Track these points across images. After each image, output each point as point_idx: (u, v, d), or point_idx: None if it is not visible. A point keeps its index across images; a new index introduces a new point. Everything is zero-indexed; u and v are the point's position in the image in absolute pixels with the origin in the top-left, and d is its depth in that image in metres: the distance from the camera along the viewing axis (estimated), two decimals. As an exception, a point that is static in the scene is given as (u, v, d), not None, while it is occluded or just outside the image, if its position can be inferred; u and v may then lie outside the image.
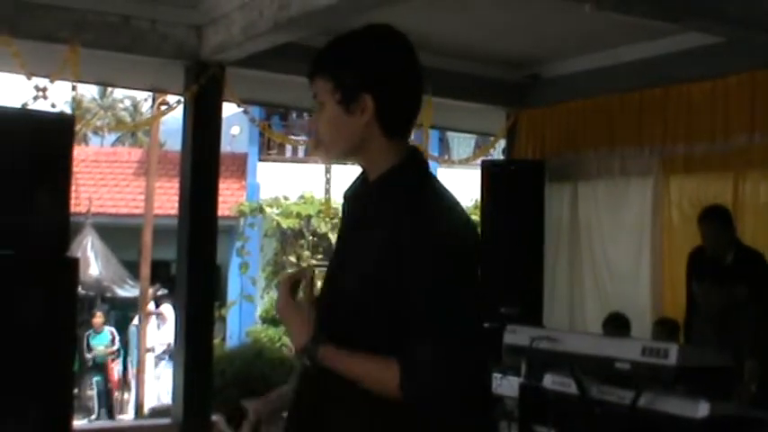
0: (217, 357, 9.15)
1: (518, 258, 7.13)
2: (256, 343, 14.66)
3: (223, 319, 17.35)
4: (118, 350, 15.75)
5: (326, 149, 2.26)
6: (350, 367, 2.10)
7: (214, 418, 6.41)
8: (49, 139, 4.88)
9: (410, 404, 2.04)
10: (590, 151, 7.35)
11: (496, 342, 4.78)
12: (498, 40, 6.72)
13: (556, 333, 4.63)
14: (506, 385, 5.13)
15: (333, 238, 17.22)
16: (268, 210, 17.44)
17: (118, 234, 16.81)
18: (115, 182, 19.40)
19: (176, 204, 6.70)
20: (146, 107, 28.95)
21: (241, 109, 7.18)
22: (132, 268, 16.19)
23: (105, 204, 18.12)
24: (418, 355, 2.02)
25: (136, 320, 15.54)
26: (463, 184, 15.44)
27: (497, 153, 10.11)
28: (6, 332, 4.70)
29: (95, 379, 15.08)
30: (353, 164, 2.30)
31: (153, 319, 15.36)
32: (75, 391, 13.83)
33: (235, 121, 17.24)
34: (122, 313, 17.04)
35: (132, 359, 15.76)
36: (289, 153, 19.83)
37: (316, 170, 14.17)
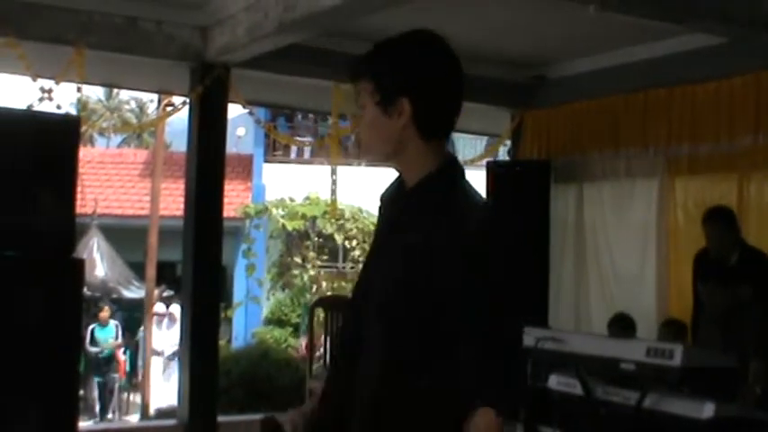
0: (222, 358, 9.17)
1: (523, 258, 7.12)
2: (262, 344, 14.67)
3: (229, 321, 17.36)
4: (123, 344, 15.72)
5: (366, 151, 2.31)
6: None
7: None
8: (54, 141, 4.90)
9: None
10: (595, 152, 7.35)
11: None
12: (503, 40, 6.72)
13: (561, 334, 4.64)
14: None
15: (338, 239, 17.25)
16: (273, 211, 17.45)
17: (123, 235, 16.83)
18: (121, 183, 19.43)
19: (182, 205, 6.71)
20: (151, 108, 28.98)
21: (246, 110, 7.20)
22: (138, 269, 16.21)
23: (111, 205, 18.15)
24: (488, 370, 2.07)
25: (152, 325, 15.48)
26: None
27: (502, 154, 10.11)
28: (12, 333, 4.71)
29: (96, 380, 15.06)
30: (388, 166, 2.32)
31: (164, 320, 15.36)
32: (81, 392, 13.86)
33: (240, 122, 17.29)
34: (128, 314, 17.04)
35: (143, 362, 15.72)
36: (294, 154, 19.83)
37: (321, 171, 14.16)
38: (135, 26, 6.03)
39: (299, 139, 17.51)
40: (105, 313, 15.37)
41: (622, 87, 6.98)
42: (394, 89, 2.18)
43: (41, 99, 5.83)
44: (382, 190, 2.42)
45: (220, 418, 6.59)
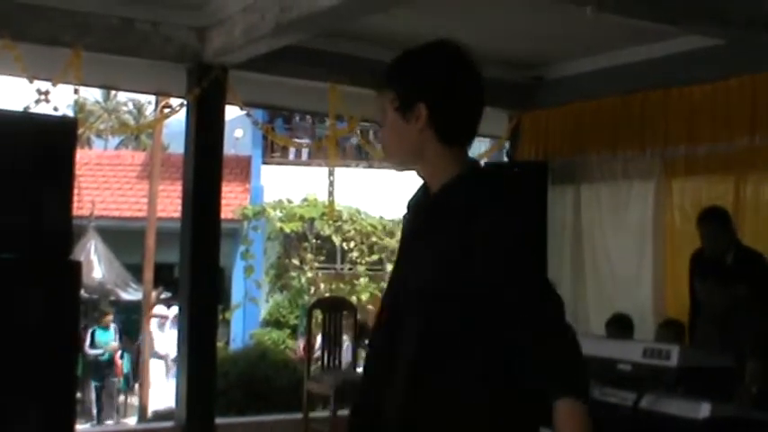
0: (220, 360, 9.17)
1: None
2: (260, 346, 14.68)
3: (227, 322, 17.36)
4: (121, 347, 15.69)
5: (389, 156, 2.41)
6: None
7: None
8: (51, 143, 4.89)
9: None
10: (593, 153, 7.35)
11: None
12: (501, 41, 6.73)
13: (558, 334, 4.62)
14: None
15: (336, 241, 17.27)
16: (271, 212, 17.46)
17: (121, 237, 16.83)
18: (118, 185, 19.42)
19: (180, 207, 6.71)
20: (149, 110, 28.99)
21: (244, 112, 7.20)
22: (136, 271, 16.21)
23: (108, 207, 18.15)
24: (551, 361, 2.13)
25: (149, 327, 15.45)
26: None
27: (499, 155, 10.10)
28: (9, 335, 4.70)
29: (95, 384, 15.03)
30: (403, 169, 2.39)
31: (166, 322, 15.33)
32: (78, 395, 13.84)
33: (238, 123, 17.27)
34: (126, 316, 17.04)
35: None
36: (292, 156, 19.84)
37: (319, 173, 14.17)
38: (132, 27, 6.03)
39: (296, 140, 17.55)
40: (109, 317, 15.37)
41: (620, 89, 6.99)
42: (411, 94, 2.27)
43: (38, 101, 5.83)
44: (408, 197, 2.50)
45: (218, 420, 6.59)
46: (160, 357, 15.14)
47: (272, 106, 11.14)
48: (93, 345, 14.96)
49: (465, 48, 2.34)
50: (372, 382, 2.37)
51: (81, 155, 16.97)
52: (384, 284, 18.35)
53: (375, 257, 17.54)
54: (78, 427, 5.84)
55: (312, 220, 17.21)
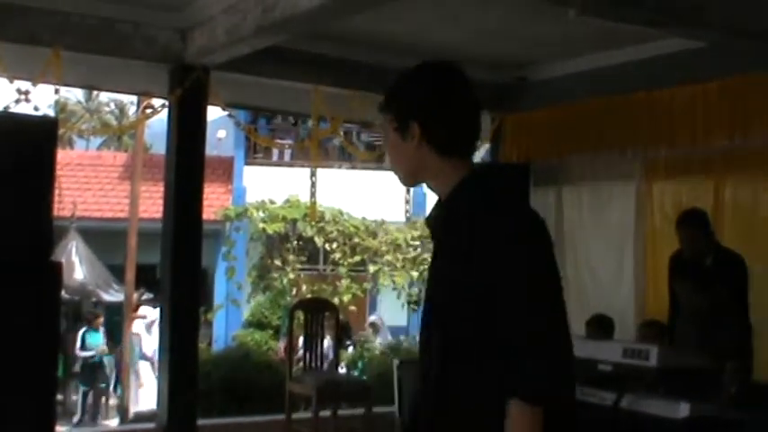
0: (202, 361, 9.16)
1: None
2: (242, 347, 14.66)
3: (209, 324, 17.32)
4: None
5: (398, 174, 2.55)
6: None
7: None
8: (31, 143, 4.86)
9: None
10: (574, 155, 7.38)
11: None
12: (483, 43, 6.74)
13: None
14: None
15: (318, 242, 17.26)
16: (254, 213, 17.44)
17: (103, 238, 16.77)
18: (100, 186, 19.36)
19: (162, 208, 6.69)
20: (132, 110, 28.91)
21: (226, 112, 7.19)
22: (118, 272, 16.15)
23: (90, 208, 18.09)
24: (516, 363, 2.18)
25: (135, 328, 15.32)
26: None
27: (481, 156, 10.12)
28: (-11, 336, 4.68)
29: (83, 388, 14.95)
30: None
31: (154, 324, 15.24)
32: (60, 397, 13.77)
33: (221, 124, 17.28)
34: (108, 318, 16.95)
35: (135, 368, 15.53)
36: (275, 157, 19.82)
37: (302, 174, 14.19)
38: (113, 28, 6.01)
39: (279, 141, 17.53)
40: (100, 319, 15.30)
41: (601, 91, 7.01)
42: (404, 114, 2.43)
43: (18, 101, 5.80)
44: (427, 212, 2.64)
45: (200, 422, 6.58)
46: (147, 359, 15.07)
47: (255, 107, 11.13)
48: (83, 347, 14.90)
49: (453, 65, 2.47)
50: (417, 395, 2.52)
51: (62, 155, 16.94)
52: (366, 285, 18.44)
53: (357, 258, 17.54)
54: (59, 428, 5.81)
55: (294, 221, 17.19)
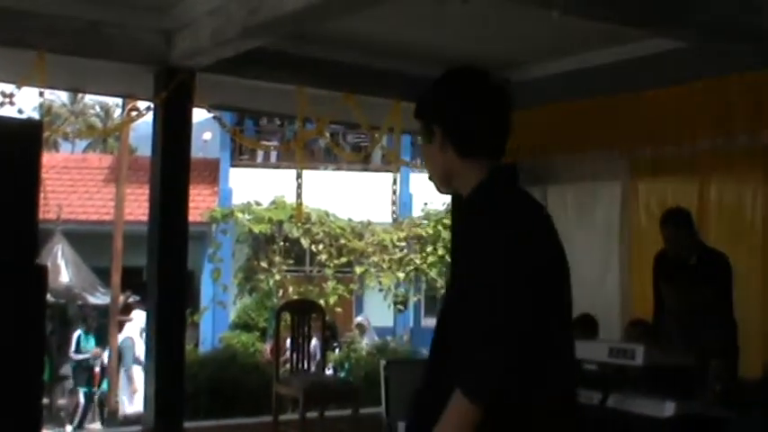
0: (189, 363, 9.14)
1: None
2: (229, 348, 14.63)
3: (196, 325, 17.29)
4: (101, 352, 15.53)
5: (433, 179, 2.62)
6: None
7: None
8: (16, 146, 4.84)
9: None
10: (560, 155, 7.40)
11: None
12: (468, 44, 6.75)
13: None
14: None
15: (304, 243, 17.25)
16: (240, 215, 17.42)
17: (89, 241, 16.71)
18: (85, 188, 19.30)
19: (147, 210, 6.67)
20: (117, 113, 28.84)
21: (211, 114, 7.18)
22: (104, 275, 16.09)
23: (76, 211, 18.03)
24: (471, 358, 2.24)
25: (129, 332, 15.19)
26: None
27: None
28: (-26, 340, 4.66)
29: (83, 390, 14.88)
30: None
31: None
32: (47, 400, 13.72)
33: (207, 126, 17.23)
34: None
35: (129, 373, 15.40)
36: (261, 158, 19.81)
37: (288, 175, 14.20)
38: (98, 30, 5.98)
39: (264, 143, 17.51)
40: (94, 322, 15.23)
41: (587, 91, 7.03)
42: (429, 118, 2.55)
43: (2, 104, 5.78)
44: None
45: (187, 424, 6.57)
46: (140, 363, 14.97)
47: (241, 109, 11.12)
48: (78, 350, 14.85)
49: (476, 70, 2.58)
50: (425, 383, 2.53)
51: (48, 158, 16.88)
52: (353, 286, 18.43)
53: (344, 260, 17.55)
54: (45, 432, 5.80)
55: (281, 222, 17.19)
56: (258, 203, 17.57)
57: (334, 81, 6.98)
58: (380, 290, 17.79)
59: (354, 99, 7.08)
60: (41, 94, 6.11)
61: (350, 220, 17.74)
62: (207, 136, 20.24)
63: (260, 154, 19.63)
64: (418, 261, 17.65)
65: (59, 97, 29.49)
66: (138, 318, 15.08)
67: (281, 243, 17.35)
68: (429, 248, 17.63)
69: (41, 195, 5.10)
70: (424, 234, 17.74)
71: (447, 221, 13.51)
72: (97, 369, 15.21)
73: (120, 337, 14.88)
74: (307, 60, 6.77)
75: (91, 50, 6.03)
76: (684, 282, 5.65)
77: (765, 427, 4.27)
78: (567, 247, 2.59)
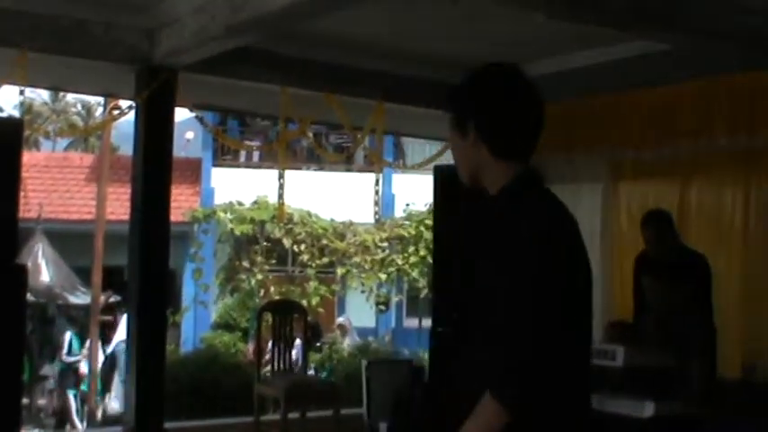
0: (170, 364, 9.11)
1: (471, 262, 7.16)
2: (210, 348, 14.59)
3: (177, 325, 17.24)
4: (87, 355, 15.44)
5: (459, 173, 2.58)
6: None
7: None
8: (-4, 144, 4.83)
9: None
10: (541, 156, 7.39)
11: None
12: (450, 45, 6.76)
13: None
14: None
15: (286, 243, 17.23)
16: (222, 215, 17.38)
17: (70, 240, 16.62)
18: (66, 187, 19.21)
19: (129, 210, 6.65)
20: (99, 111, 28.71)
21: (194, 114, 7.16)
22: (85, 275, 16.02)
23: (57, 210, 17.94)
24: (506, 364, 2.22)
25: (120, 335, 15.04)
26: (418, 188, 15.55)
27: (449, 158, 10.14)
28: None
29: (72, 393, 14.80)
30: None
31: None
32: (26, 401, 13.64)
33: (190, 125, 17.17)
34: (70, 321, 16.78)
35: (123, 377, 15.28)
36: (244, 158, 19.78)
37: (271, 175, 14.19)
38: (80, 29, 5.95)
39: (247, 143, 17.49)
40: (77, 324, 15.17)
41: (569, 92, 7.05)
42: (463, 114, 2.49)
43: (-17, 102, 5.75)
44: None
45: (168, 424, 6.54)
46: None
47: (223, 108, 11.08)
48: (70, 352, 14.78)
49: (515, 68, 2.53)
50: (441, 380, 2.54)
51: (28, 157, 16.79)
52: (335, 287, 18.41)
53: (326, 260, 17.54)
54: (24, 432, 5.77)
55: (263, 222, 17.16)
56: (240, 203, 17.54)
57: (317, 81, 6.97)
58: (362, 290, 17.79)
59: (337, 99, 7.07)
60: (22, 92, 6.07)
61: (332, 220, 17.73)
62: (189, 135, 20.16)
63: (243, 153, 19.61)
64: (400, 262, 17.65)
65: (40, 95, 29.34)
66: (111, 318, 15.08)
67: (263, 243, 17.32)
68: (411, 249, 17.64)
69: (22, 194, 5.08)
70: (406, 235, 17.74)
71: (429, 222, 13.49)
72: (83, 370, 15.15)
73: (114, 341, 14.84)
74: (289, 60, 6.76)
75: (72, 49, 6.00)
76: (664, 283, 5.68)
77: (743, 426, 4.29)
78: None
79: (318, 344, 14.89)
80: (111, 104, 10.33)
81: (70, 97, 30.42)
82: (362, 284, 17.71)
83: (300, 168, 18.19)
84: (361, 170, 18.67)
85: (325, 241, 17.52)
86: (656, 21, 5.22)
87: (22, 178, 5.00)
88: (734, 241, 6.23)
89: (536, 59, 7.13)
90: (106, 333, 15.59)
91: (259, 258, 17.23)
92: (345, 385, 9.18)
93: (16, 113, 6.98)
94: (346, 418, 6.65)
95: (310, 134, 8.21)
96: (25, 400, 13.23)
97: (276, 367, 7.02)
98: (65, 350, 14.73)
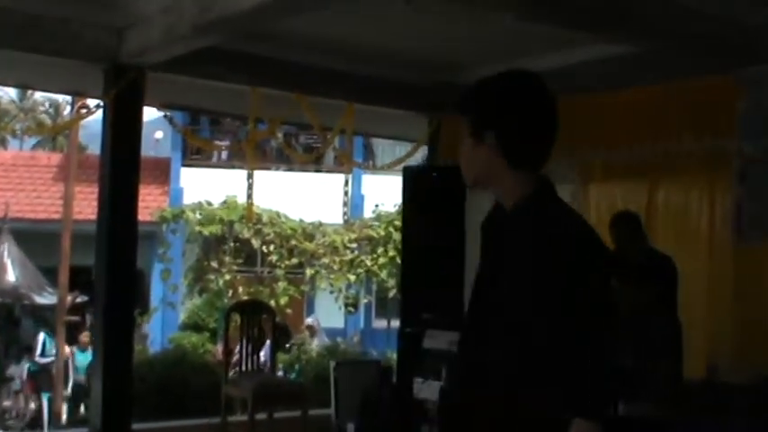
0: (138, 364, 9.05)
1: (439, 263, 7.18)
2: (178, 348, 14.53)
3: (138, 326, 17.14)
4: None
5: (465, 175, 2.59)
6: None
7: None
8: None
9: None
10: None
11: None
12: (420, 46, 6.77)
13: (474, 337, 4.67)
14: (427, 389, 5.17)
15: (255, 244, 17.18)
16: (190, 215, 17.30)
17: (36, 240, 16.49)
18: (33, 186, 19.06)
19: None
20: (67, 110, 28.50)
21: (162, 113, 7.12)
22: (52, 275, 15.89)
23: (23, 209, 17.80)
24: (574, 379, 2.29)
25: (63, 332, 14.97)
26: (388, 189, 15.55)
27: (420, 159, 10.16)
28: None
29: (47, 396, 14.66)
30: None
31: None
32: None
33: (159, 125, 17.09)
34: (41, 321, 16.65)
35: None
36: (214, 158, 19.71)
37: (240, 175, 14.16)
38: (46, 26, 5.90)
39: (217, 143, 17.44)
40: (86, 338, 15.01)
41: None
42: (483, 122, 2.47)
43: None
44: (482, 219, 2.74)
45: (135, 426, 6.50)
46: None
47: (192, 108, 11.04)
48: (43, 353, 14.64)
49: (536, 77, 2.53)
50: (460, 383, 2.57)
51: (-6, 155, 16.64)
52: (304, 287, 18.38)
53: (295, 261, 17.50)
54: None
55: (232, 222, 17.10)
56: (209, 203, 17.47)
57: (287, 82, 6.96)
58: (331, 291, 17.78)
59: (306, 100, 7.06)
60: (-13, 91, 6.02)
61: (301, 220, 17.70)
62: (159, 135, 20.06)
63: (214, 153, 19.54)
64: (369, 263, 17.66)
65: (8, 93, 29.10)
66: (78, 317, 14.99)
67: (232, 243, 17.26)
68: (380, 250, 17.64)
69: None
70: (375, 235, 17.75)
71: (398, 223, 13.51)
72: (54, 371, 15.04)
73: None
74: (259, 60, 6.74)
75: (40, 46, 5.95)
76: (633, 284, 5.71)
77: (708, 426, 4.33)
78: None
79: (287, 345, 14.87)
80: (79, 103, 10.28)
81: (38, 96, 30.16)
82: (331, 285, 17.70)
83: (270, 168, 18.15)
84: (330, 171, 18.67)
85: (294, 242, 17.48)
86: (621, 23, 5.27)
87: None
88: (699, 242, 6.29)
89: (503, 61, 7.14)
90: (74, 334, 15.49)
91: (227, 259, 17.17)
92: (314, 386, 9.18)
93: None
94: (314, 419, 6.65)
95: (280, 134, 8.20)
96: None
97: (244, 368, 7.00)
98: (38, 351, 14.59)
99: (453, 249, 7.29)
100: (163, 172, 18.91)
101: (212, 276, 17.19)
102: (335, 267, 17.59)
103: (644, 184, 6.67)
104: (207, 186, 17.92)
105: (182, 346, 15.05)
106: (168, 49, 5.88)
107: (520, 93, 2.50)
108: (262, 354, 7.50)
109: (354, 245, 17.79)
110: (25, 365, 15.10)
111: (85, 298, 15.04)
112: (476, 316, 2.56)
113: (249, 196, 7.60)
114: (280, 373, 12.15)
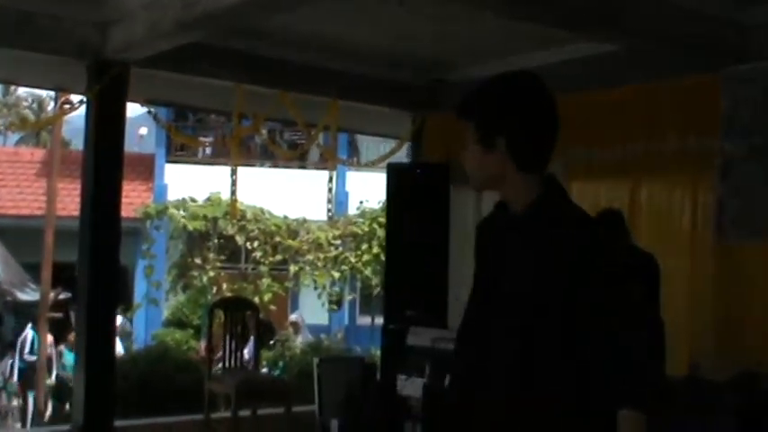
0: (120, 360, 9.03)
1: (423, 260, 7.20)
2: (161, 344, 14.49)
3: (129, 322, 17.09)
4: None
5: (471, 179, 2.60)
6: None
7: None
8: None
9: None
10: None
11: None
12: (405, 43, 6.78)
13: (457, 334, 4.68)
14: (411, 386, 5.19)
15: (239, 240, 17.15)
16: (174, 211, 17.26)
17: (19, 236, 16.41)
18: (16, 182, 18.98)
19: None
20: (51, 106, 28.37)
21: (146, 109, 7.10)
22: (35, 271, 15.80)
23: (6, 206, 17.73)
24: (622, 373, 2.33)
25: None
26: (372, 186, 15.55)
27: (404, 157, 10.16)
28: None
29: (32, 394, 14.57)
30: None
31: None
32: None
33: (143, 121, 17.04)
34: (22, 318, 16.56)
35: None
36: (200, 154, 19.67)
37: (225, 172, 14.12)
38: (29, 21, 5.88)
39: (202, 139, 17.39)
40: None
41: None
42: (491, 129, 2.47)
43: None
44: (482, 221, 2.75)
45: (117, 422, 6.49)
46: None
47: (176, 104, 11.00)
48: (32, 351, 14.56)
49: (538, 80, 2.53)
50: (463, 381, 2.57)
51: (-23, 151, 16.56)
52: (288, 284, 18.32)
53: (279, 257, 17.48)
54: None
55: (216, 219, 17.06)
56: (193, 200, 17.43)
57: (271, 78, 6.96)
58: (315, 288, 17.76)
59: (290, 97, 7.06)
60: (-31, 86, 5.99)
61: (285, 217, 17.68)
62: (143, 131, 20.02)
63: (198, 149, 19.50)
64: (353, 259, 17.65)
65: (-10, 89, 28.95)
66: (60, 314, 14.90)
67: (216, 240, 17.23)
68: (364, 247, 17.64)
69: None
70: (359, 232, 17.73)
71: (382, 220, 13.51)
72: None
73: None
74: (243, 57, 6.74)
75: (22, 42, 5.93)
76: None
77: (691, 425, 4.35)
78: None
79: (271, 341, 14.84)
80: (62, 99, 10.22)
81: (22, 91, 30.05)
82: (315, 282, 17.68)
83: (254, 165, 18.13)
84: (314, 167, 18.65)
85: (278, 238, 17.45)
86: (604, 21, 5.29)
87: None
88: (682, 240, 6.31)
89: (488, 60, 7.17)
90: (60, 331, 15.41)
91: (211, 255, 17.13)
92: (297, 382, 9.16)
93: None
94: (298, 416, 6.65)
95: (264, 131, 8.18)
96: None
97: (228, 364, 7.00)
98: (27, 348, 14.52)
99: (437, 246, 7.32)
100: (147, 168, 18.86)
101: (196, 273, 17.14)
102: (320, 264, 17.57)
103: (627, 182, 6.70)
104: (191, 182, 17.87)
105: (165, 343, 15.01)
106: (152, 45, 5.87)
107: (524, 95, 2.51)
108: (245, 350, 7.49)
109: (338, 242, 17.77)
110: (8, 362, 15.01)
111: (68, 294, 14.93)
112: (476, 318, 2.58)
113: (233, 193, 7.59)
114: (263, 370, 12.14)
